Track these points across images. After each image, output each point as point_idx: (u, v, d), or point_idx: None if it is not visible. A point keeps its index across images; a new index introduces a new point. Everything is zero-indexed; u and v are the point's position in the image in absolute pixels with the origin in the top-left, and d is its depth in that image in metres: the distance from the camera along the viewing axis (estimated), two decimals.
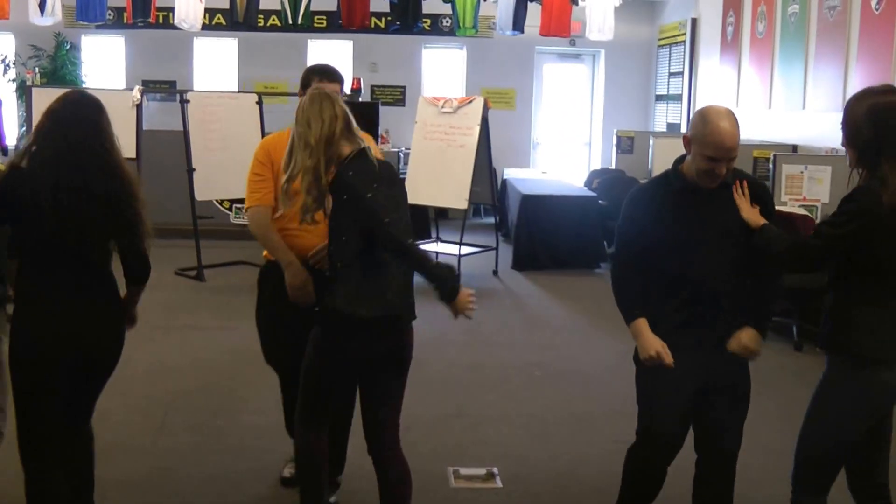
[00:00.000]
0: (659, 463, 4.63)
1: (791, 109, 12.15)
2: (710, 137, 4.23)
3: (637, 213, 4.55)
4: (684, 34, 16.44)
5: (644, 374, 4.58)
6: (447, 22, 16.86)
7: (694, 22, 16.08)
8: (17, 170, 4.25)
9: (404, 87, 17.63)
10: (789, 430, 6.68)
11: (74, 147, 4.22)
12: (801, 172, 9.95)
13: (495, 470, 5.95)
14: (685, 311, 4.45)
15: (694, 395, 4.49)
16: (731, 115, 4.30)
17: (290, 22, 15.07)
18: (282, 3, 15.01)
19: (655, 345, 4.38)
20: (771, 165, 10.22)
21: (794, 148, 11.60)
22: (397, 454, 4.62)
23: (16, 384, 4.30)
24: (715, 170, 4.28)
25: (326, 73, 5.36)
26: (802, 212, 9.55)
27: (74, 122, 4.29)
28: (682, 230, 4.41)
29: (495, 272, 12.28)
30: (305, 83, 5.31)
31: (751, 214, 4.34)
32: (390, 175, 4.55)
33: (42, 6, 14.51)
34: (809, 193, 9.93)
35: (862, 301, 4.05)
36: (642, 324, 4.46)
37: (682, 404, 4.50)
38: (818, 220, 9.64)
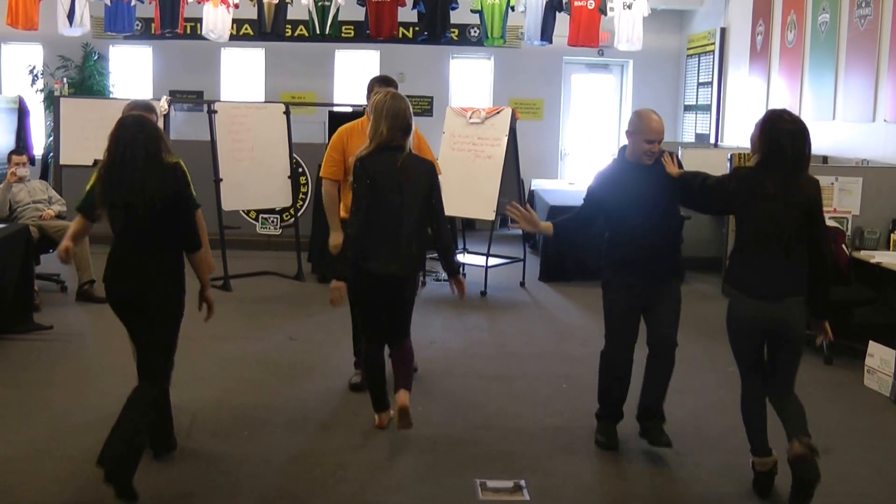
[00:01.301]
0: (619, 364, 6.56)
1: (821, 120, 12.04)
2: (647, 127, 6.23)
3: (598, 183, 6.55)
4: (713, 44, 16.37)
5: (608, 300, 6.53)
6: (475, 32, 16.85)
7: (723, 31, 16.01)
8: (99, 179, 5.74)
9: (432, 98, 17.61)
10: (819, 444, 6.63)
11: (133, 153, 5.62)
12: (832, 184, 9.86)
13: (523, 482, 5.90)
14: (631, 249, 6.32)
15: (642, 311, 6.46)
16: (656, 113, 6.33)
17: (318, 32, 15.06)
18: (309, 14, 15.00)
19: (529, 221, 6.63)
20: None
21: (825, 159, 11.51)
22: (405, 344, 6.66)
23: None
24: (652, 149, 6.23)
25: (384, 80, 7.67)
26: (833, 224, 9.45)
27: (132, 134, 5.69)
28: (627, 193, 6.28)
29: (522, 283, 12.24)
30: (370, 89, 7.58)
31: (673, 170, 6.25)
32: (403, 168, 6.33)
33: (71, 17, 14.59)
34: (840, 205, 9.85)
35: (736, 249, 5.88)
36: (549, 225, 6.76)
37: (631, 326, 6.49)
38: (848, 233, 9.57)
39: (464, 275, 12.30)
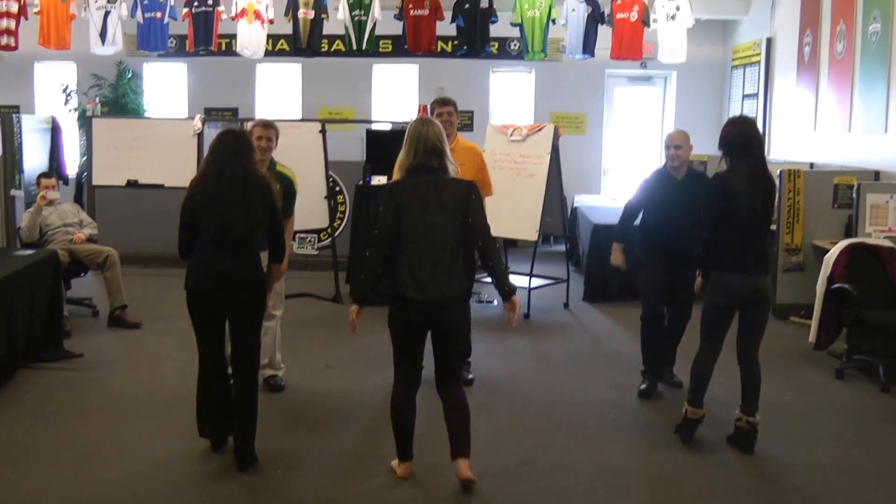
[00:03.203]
0: (655, 324, 8.42)
1: (872, 133, 11.68)
2: (668, 137, 8.23)
3: (644, 186, 8.41)
4: (759, 54, 16.01)
5: (643, 276, 8.38)
6: (516, 45, 16.57)
7: (769, 42, 15.65)
8: (191, 199, 6.43)
9: (472, 112, 17.31)
10: (884, 487, 6.30)
11: (224, 171, 6.35)
12: (887, 202, 9.56)
13: None
14: (660, 241, 8.16)
15: (663, 286, 8.22)
16: (679, 130, 8.37)
17: (355, 47, 14.84)
18: (346, 28, 14.79)
19: (617, 260, 8.61)
20: (855, 195, 9.80)
21: (876, 174, 11.13)
22: (457, 388, 6.26)
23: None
24: (671, 153, 8.14)
25: (442, 101, 8.40)
26: (888, 244, 9.13)
27: (222, 154, 6.41)
28: (662, 197, 8.17)
29: (566, 305, 11.94)
30: (431, 111, 8.41)
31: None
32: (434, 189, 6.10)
33: (103, 36, 14.49)
34: (895, 224, 9.52)
35: (721, 236, 6.83)
36: (618, 246, 8.61)
37: (659, 293, 8.27)
38: None
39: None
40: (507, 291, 6.18)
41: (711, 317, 6.90)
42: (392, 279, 6.01)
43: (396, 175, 6.42)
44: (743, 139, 6.79)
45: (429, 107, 8.80)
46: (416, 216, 5.97)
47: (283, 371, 8.34)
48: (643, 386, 8.33)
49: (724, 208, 6.74)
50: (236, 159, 6.38)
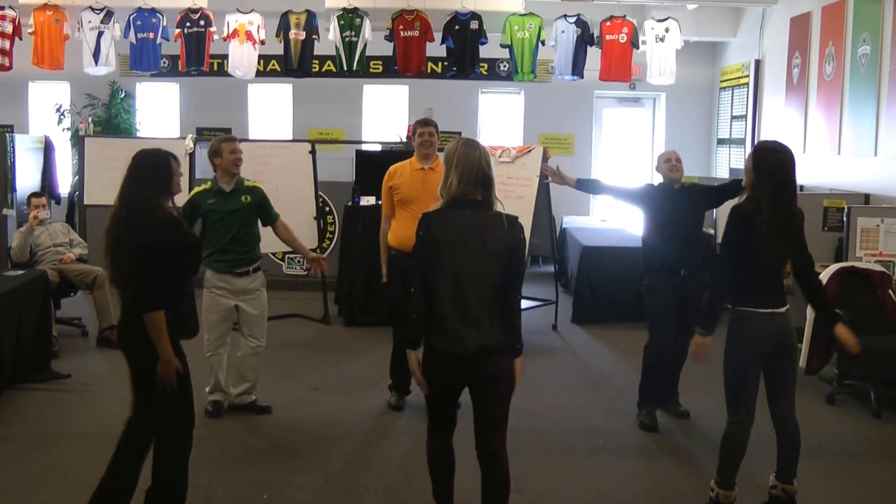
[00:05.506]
0: (662, 352, 8.01)
1: (861, 156, 11.69)
2: (663, 155, 8.32)
3: (647, 188, 8.43)
4: (747, 76, 16.04)
5: (651, 300, 8.12)
6: (505, 67, 16.58)
7: (758, 63, 15.68)
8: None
9: (460, 133, 17.22)
10: None
11: (122, 203, 5.40)
12: (878, 225, 9.55)
13: None
14: (665, 260, 8.00)
15: (676, 309, 7.98)
16: (672, 151, 8.39)
17: (346, 68, 14.84)
18: (336, 49, 14.80)
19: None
20: (845, 218, 9.81)
21: (867, 197, 11.15)
22: (500, 455, 5.24)
23: None
24: (672, 164, 8.12)
25: (423, 122, 8.42)
26: (879, 268, 9.13)
27: (130, 182, 5.46)
28: (662, 207, 8.07)
29: (555, 327, 11.92)
30: (413, 131, 8.43)
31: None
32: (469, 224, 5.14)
33: (96, 56, 14.51)
34: (886, 248, 9.54)
35: (740, 273, 5.91)
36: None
37: (670, 318, 7.98)
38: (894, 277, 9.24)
39: None
40: (517, 348, 5.26)
41: (736, 371, 5.92)
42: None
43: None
44: (785, 170, 5.87)
45: (412, 127, 8.71)
46: (452, 258, 5.11)
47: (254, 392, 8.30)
48: (646, 420, 7.97)
49: (748, 247, 5.81)
50: (134, 187, 5.44)
